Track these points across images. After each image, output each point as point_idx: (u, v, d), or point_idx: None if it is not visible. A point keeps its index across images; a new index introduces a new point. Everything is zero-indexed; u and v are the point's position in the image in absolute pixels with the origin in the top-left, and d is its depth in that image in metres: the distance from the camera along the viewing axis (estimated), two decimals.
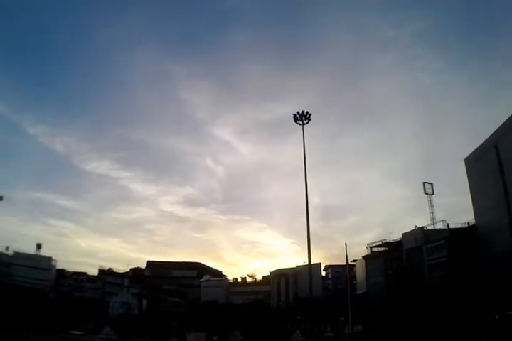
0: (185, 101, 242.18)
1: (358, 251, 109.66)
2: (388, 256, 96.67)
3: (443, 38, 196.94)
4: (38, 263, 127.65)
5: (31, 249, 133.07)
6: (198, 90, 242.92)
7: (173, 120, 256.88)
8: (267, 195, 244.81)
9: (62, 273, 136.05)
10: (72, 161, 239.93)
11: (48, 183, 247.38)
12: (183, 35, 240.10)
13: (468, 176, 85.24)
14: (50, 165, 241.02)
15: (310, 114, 62.68)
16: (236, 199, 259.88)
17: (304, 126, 62.24)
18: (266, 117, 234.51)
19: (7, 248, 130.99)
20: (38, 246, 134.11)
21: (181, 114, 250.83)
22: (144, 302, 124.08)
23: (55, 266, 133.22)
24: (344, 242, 72.16)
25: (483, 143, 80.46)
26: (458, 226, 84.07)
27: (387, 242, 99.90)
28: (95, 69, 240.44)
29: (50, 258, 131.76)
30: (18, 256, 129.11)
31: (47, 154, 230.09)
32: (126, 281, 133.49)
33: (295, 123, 62.62)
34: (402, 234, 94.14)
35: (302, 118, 62.47)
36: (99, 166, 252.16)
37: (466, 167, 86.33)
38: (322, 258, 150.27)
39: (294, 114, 62.99)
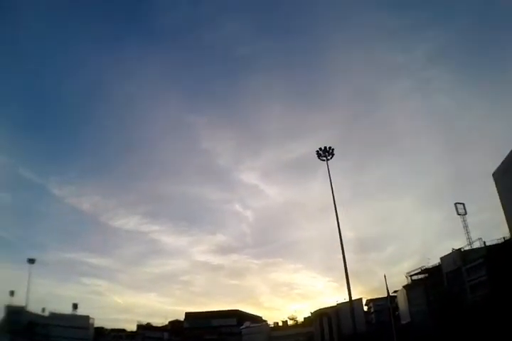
0: (208, 149, 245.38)
1: (398, 280, 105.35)
2: (428, 283, 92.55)
3: (455, 56, 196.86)
4: (76, 323, 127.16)
5: (67, 309, 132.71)
6: (219, 138, 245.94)
7: (197, 169, 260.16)
8: (299, 234, 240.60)
9: (100, 331, 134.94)
10: (100, 219, 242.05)
11: (77, 243, 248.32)
12: (198, 84, 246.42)
13: (498, 190, 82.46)
14: (78, 225, 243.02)
15: (333, 149, 63.15)
16: (268, 242, 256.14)
17: (328, 161, 62.90)
18: (289, 157, 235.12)
19: (43, 309, 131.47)
20: (75, 306, 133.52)
21: (205, 163, 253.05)
22: None
23: (92, 325, 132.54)
24: (383, 274, 70.60)
25: (508, 156, 78.56)
26: (494, 242, 79.95)
27: (426, 268, 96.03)
28: (116, 125, 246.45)
29: (87, 317, 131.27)
30: (54, 316, 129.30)
31: (75, 214, 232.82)
32: (165, 335, 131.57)
33: (319, 160, 63.22)
34: (440, 259, 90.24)
35: (325, 153, 63.04)
36: (128, 222, 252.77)
37: (495, 181, 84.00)
38: (362, 292, 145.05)
39: (317, 151, 63.65)
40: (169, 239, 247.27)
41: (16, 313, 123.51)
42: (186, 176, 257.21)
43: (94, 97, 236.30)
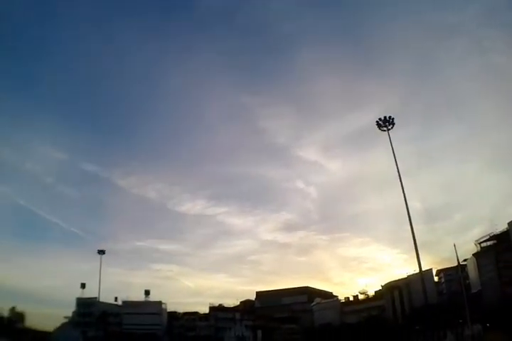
0: (266, 128, 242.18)
1: (467, 249, 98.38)
2: (498, 249, 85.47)
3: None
4: (148, 309, 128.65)
5: (140, 296, 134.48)
6: (276, 116, 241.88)
7: (257, 149, 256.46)
8: (365, 207, 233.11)
9: (173, 315, 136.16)
10: (166, 206, 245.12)
11: (146, 231, 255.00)
12: (250, 65, 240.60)
13: None
14: (146, 213, 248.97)
15: (393, 119, 61.30)
16: (334, 218, 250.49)
17: (389, 131, 61.25)
18: (348, 130, 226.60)
19: (116, 298, 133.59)
20: (147, 293, 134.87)
21: (265, 142, 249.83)
22: (259, 333, 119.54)
23: (165, 310, 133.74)
24: (452, 243, 65.70)
25: None
26: None
27: (494, 235, 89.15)
28: (173, 112, 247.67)
29: (159, 303, 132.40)
30: (127, 304, 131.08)
31: (141, 203, 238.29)
32: (237, 315, 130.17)
33: (379, 131, 61.78)
34: (508, 224, 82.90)
35: (386, 123, 61.26)
36: (194, 206, 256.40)
37: None
38: (432, 263, 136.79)
39: (377, 121, 61.82)
40: (235, 220, 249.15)
41: (87, 305, 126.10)
42: (247, 157, 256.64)
43: (151, 86, 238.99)
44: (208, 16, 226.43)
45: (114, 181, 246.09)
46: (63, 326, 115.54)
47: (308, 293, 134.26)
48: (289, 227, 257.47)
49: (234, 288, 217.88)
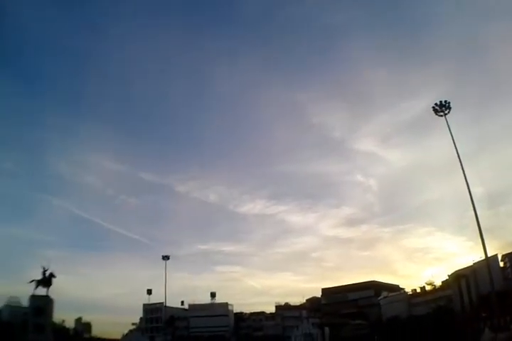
0: (321, 123, 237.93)
1: None
2: None
3: None
4: (215, 311, 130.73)
5: (206, 299, 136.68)
6: (329, 110, 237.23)
7: (313, 145, 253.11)
8: (427, 196, 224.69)
9: (240, 316, 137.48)
10: (227, 208, 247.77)
11: (209, 234, 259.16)
12: (298, 61, 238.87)
13: None
14: (207, 217, 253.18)
15: (449, 103, 60.52)
16: (396, 209, 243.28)
17: (446, 115, 60.57)
18: (404, 118, 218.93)
19: (182, 302, 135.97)
20: (212, 295, 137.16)
21: (320, 137, 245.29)
22: (326, 330, 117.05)
23: (232, 311, 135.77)
24: None
25: None
26: None
27: None
28: (227, 113, 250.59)
29: (226, 304, 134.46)
30: (194, 308, 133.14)
31: (202, 207, 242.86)
32: (304, 313, 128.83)
33: (436, 116, 61.25)
34: None
35: (442, 108, 60.52)
36: (254, 206, 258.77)
37: None
38: (498, 248, 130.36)
39: (433, 106, 61.19)
40: (296, 217, 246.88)
41: (154, 311, 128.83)
42: (303, 154, 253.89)
43: (201, 90, 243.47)
44: (250, 16, 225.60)
45: (174, 187, 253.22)
46: (131, 333, 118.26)
47: (374, 288, 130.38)
48: (350, 222, 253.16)
49: (299, 286, 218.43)
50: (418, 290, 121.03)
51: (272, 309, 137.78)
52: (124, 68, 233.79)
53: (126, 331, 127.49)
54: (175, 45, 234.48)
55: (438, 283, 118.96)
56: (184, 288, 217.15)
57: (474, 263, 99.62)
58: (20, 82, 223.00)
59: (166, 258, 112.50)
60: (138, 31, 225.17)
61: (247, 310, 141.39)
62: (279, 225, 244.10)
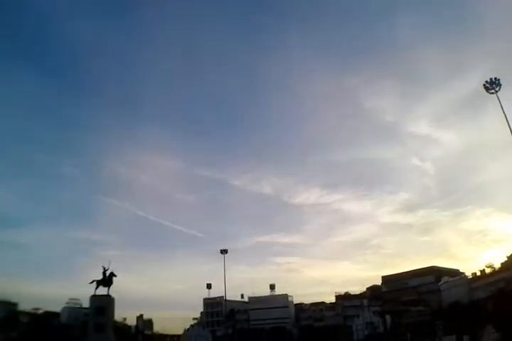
0: (373, 108, 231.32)
1: None
2: None
3: None
4: (275, 303, 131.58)
5: (266, 291, 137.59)
6: (381, 93, 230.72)
7: (366, 130, 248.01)
8: (485, 177, 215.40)
9: (300, 307, 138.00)
10: (282, 199, 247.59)
11: (266, 226, 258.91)
12: (349, 45, 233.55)
13: None
14: (263, 209, 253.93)
15: (499, 80, 59.53)
16: (454, 192, 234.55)
17: (497, 93, 59.20)
18: (456, 97, 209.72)
19: (242, 295, 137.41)
20: (272, 287, 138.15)
21: (373, 122, 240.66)
22: (387, 318, 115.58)
23: (292, 302, 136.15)
24: None
25: None
26: None
27: None
28: (277, 103, 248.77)
29: (285, 296, 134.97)
30: (253, 300, 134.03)
31: (258, 199, 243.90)
32: (365, 301, 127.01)
33: (487, 94, 60.17)
34: None
35: (493, 86, 59.33)
36: (309, 196, 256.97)
37: None
38: None
39: (484, 84, 60.20)
40: (352, 205, 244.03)
41: (215, 305, 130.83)
42: (356, 140, 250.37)
43: (251, 80, 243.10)
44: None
45: (229, 181, 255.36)
46: (192, 327, 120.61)
47: (434, 273, 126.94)
48: (408, 207, 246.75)
49: (358, 274, 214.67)
50: (478, 274, 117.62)
51: (332, 299, 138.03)
52: (178, 69, 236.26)
53: (187, 326, 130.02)
54: (229, 42, 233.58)
55: (497, 265, 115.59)
56: (243, 280, 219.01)
57: None
58: (78, 92, 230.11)
59: (224, 252, 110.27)
60: (192, 32, 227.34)
61: (307, 300, 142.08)
62: (336, 214, 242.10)
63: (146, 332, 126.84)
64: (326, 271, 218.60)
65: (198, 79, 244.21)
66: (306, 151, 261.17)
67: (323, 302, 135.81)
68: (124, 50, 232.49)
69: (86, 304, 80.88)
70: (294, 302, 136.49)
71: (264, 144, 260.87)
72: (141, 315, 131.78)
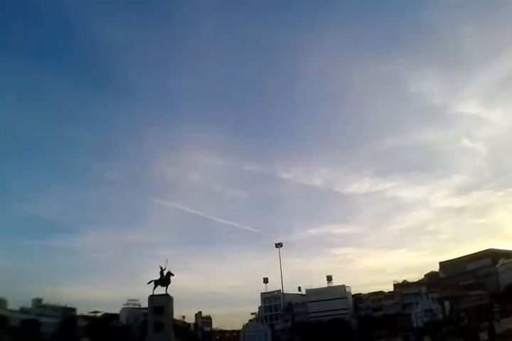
0: (418, 91, 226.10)
1: None
2: None
3: None
4: (332, 294, 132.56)
5: (323, 283, 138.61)
6: (425, 76, 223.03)
7: (414, 115, 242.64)
8: None
9: (358, 297, 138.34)
10: (334, 189, 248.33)
11: (318, 218, 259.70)
12: (385, 28, 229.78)
13: None
14: (314, 200, 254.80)
15: None
16: (507, 171, 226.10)
17: None
18: (502, 75, 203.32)
19: (299, 288, 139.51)
20: (329, 278, 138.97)
21: (420, 106, 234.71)
22: (446, 304, 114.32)
23: (350, 293, 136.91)
24: None
25: None
26: None
27: None
28: (319, 91, 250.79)
29: (343, 287, 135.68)
30: (311, 292, 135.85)
31: (308, 191, 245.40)
32: (423, 289, 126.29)
33: None
34: None
35: None
36: (361, 185, 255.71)
37: None
38: None
39: None
40: (405, 192, 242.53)
41: (272, 299, 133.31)
42: (404, 125, 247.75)
43: (294, 70, 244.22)
44: None
45: (279, 175, 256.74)
46: (251, 322, 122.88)
47: (491, 256, 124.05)
48: (462, 190, 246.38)
49: (415, 261, 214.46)
50: None
51: (390, 288, 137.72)
52: (217, 70, 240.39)
53: (246, 321, 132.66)
54: (269, 32, 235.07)
55: None
56: (300, 273, 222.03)
57: None
58: (119, 96, 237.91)
59: (279, 245, 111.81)
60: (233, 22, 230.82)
61: (365, 290, 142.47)
62: (389, 202, 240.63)
63: (205, 329, 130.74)
64: (383, 259, 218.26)
65: (239, 75, 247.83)
66: (355, 140, 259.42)
67: (381, 292, 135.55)
68: (161, 52, 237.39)
69: (145, 304, 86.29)
70: (352, 293, 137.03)
71: (311, 136, 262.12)
72: (200, 313, 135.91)
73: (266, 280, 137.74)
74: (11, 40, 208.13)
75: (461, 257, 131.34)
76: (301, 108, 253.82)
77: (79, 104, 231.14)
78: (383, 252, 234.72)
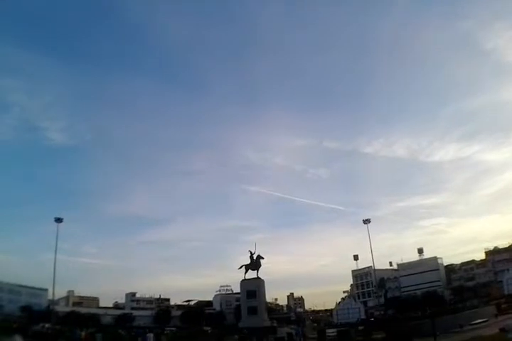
0: (494, 48, 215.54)
1: None
2: None
3: None
4: (424, 267, 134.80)
5: (414, 256, 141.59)
6: (496, 34, 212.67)
7: (489, 74, 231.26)
8: None
9: (450, 268, 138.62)
10: (418, 159, 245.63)
11: (404, 190, 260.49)
12: None
13: None
14: (399, 173, 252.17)
15: None
16: None
17: None
18: None
19: (390, 263, 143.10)
20: (420, 251, 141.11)
21: (497, 63, 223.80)
22: None
23: (442, 264, 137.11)
24: None
25: None
26: None
27: None
28: (391, 65, 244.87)
29: (435, 259, 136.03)
30: (402, 267, 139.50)
31: (392, 163, 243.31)
32: None
33: None
34: None
35: None
36: (446, 152, 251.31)
37: None
38: None
39: None
40: (491, 155, 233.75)
41: (363, 275, 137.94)
42: (481, 85, 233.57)
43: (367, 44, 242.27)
44: None
45: (360, 150, 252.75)
46: (343, 300, 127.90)
47: None
48: None
49: (508, 226, 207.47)
50: None
51: (481, 256, 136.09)
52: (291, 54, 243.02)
53: (338, 300, 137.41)
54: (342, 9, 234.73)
55: None
56: (390, 248, 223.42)
57: None
58: (193, 88, 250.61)
59: (367, 221, 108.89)
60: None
61: (457, 260, 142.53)
62: (476, 166, 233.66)
63: (298, 310, 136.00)
64: (474, 227, 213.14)
65: (319, 54, 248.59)
66: (435, 105, 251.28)
67: (473, 261, 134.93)
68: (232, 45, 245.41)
69: (237, 289, 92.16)
70: (444, 264, 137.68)
71: (390, 106, 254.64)
72: (292, 294, 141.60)
73: (356, 258, 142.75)
74: (90, 51, 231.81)
75: None
76: (375, 78, 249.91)
77: (163, 102, 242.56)
78: (474, 219, 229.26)
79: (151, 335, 50.35)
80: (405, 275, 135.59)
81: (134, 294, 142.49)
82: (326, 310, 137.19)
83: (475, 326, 46.03)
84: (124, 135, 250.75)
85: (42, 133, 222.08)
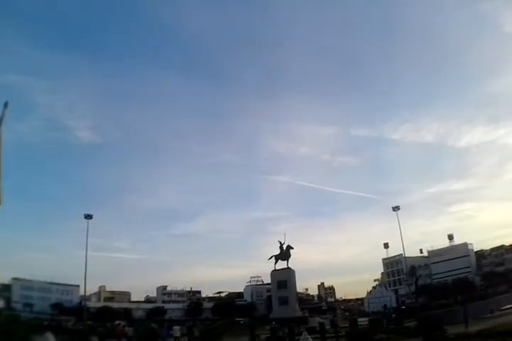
0: None
1: None
2: None
3: None
4: (455, 254, 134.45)
5: (444, 243, 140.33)
6: None
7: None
8: None
9: (481, 254, 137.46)
10: (446, 144, 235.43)
11: (433, 175, 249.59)
12: None
13: None
14: (427, 158, 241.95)
15: None
16: None
17: None
18: None
19: (421, 250, 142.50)
20: (450, 237, 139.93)
21: None
22: None
23: (472, 250, 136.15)
24: None
25: None
26: None
27: None
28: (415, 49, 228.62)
29: (465, 245, 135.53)
30: (433, 254, 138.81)
31: (420, 149, 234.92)
32: None
33: None
34: None
35: None
36: (473, 136, 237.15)
37: None
38: None
39: None
40: None
41: (394, 263, 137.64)
42: (505, 66, 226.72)
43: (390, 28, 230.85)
44: None
45: (386, 137, 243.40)
46: (374, 289, 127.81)
47: None
48: None
49: None
50: None
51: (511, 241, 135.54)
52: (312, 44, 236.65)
53: (369, 288, 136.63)
54: None
55: None
56: (420, 235, 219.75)
57: None
58: (216, 80, 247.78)
59: (396, 208, 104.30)
60: None
61: (488, 246, 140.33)
62: (504, 150, 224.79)
63: (329, 299, 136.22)
64: (503, 212, 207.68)
65: (342, 38, 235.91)
66: (462, 88, 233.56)
67: (502, 246, 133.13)
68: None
69: (267, 280, 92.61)
70: (475, 250, 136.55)
71: (415, 91, 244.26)
72: (322, 283, 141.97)
73: (386, 246, 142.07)
74: (125, 48, 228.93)
75: None
76: (398, 62, 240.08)
77: (189, 95, 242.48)
78: (504, 204, 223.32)
79: (177, 328, 50.18)
80: (436, 263, 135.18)
81: (165, 287, 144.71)
82: (357, 299, 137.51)
83: (505, 311, 46.34)
84: (152, 130, 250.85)
85: (70, 131, 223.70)
